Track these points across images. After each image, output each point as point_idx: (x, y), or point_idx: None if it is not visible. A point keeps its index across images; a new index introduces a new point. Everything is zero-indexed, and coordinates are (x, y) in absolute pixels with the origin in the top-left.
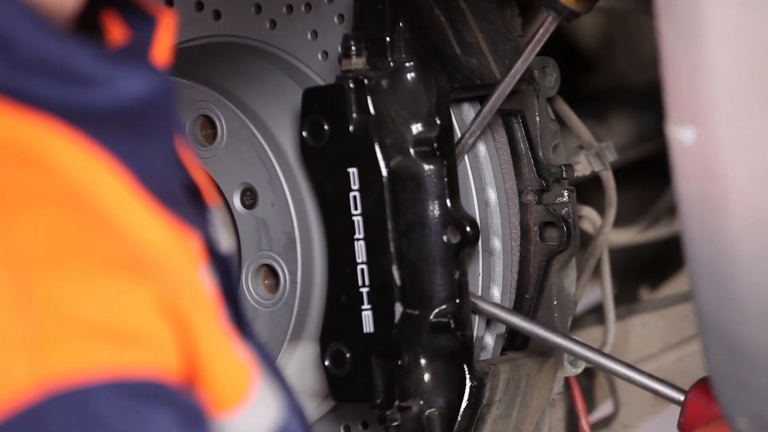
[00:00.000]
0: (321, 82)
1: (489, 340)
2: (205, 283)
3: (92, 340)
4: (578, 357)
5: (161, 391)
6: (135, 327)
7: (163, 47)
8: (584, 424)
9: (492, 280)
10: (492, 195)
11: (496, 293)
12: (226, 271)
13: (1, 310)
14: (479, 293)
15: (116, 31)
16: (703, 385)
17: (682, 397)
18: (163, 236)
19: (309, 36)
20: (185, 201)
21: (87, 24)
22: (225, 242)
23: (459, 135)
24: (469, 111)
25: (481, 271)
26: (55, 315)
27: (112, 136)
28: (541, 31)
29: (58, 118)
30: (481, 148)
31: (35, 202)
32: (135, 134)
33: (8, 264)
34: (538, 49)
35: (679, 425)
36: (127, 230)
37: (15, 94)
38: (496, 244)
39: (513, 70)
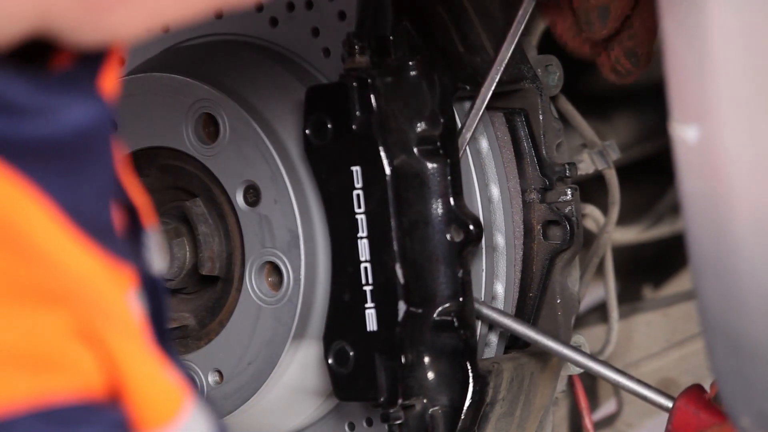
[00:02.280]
0: (323, 79)
1: (492, 338)
2: (133, 311)
3: (12, 370)
4: (572, 363)
5: (85, 412)
6: (53, 353)
7: (109, 75)
8: (588, 422)
9: (495, 276)
10: (495, 191)
11: (499, 289)
12: (155, 293)
13: None
14: (483, 289)
15: (61, 57)
16: (692, 393)
17: (670, 404)
18: (89, 267)
19: (310, 33)
20: (117, 232)
21: (29, 48)
22: (157, 264)
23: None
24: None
25: (484, 267)
26: None
27: (42, 168)
28: (520, 12)
29: None
30: (484, 144)
31: None
32: (68, 166)
33: None
34: (520, 31)
35: None
36: (48, 260)
37: None
38: (499, 240)
39: (499, 56)
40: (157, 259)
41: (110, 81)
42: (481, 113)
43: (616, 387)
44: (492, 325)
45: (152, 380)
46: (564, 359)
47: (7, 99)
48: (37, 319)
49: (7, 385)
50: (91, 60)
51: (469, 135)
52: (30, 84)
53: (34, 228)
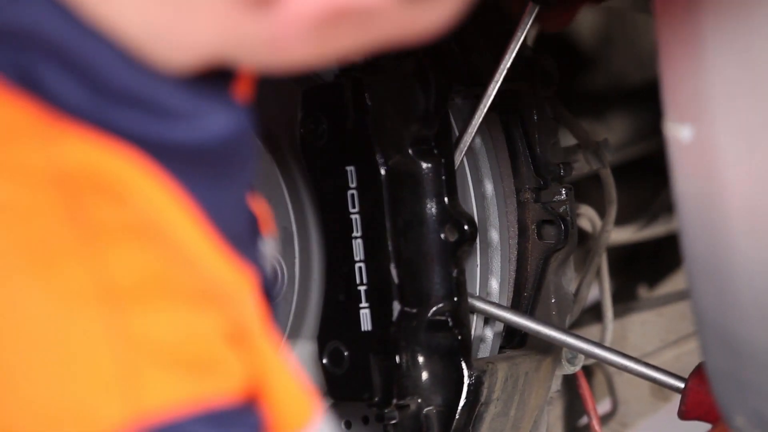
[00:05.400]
0: (315, 78)
1: (487, 338)
2: (261, 315)
3: (179, 372)
4: (577, 351)
5: (237, 415)
6: (210, 355)
7: (244, 83)
8: (595, 423)
9: (490, 272)
10: (489, 187)
11: (494, 285)
12: (266, 299)
13: (92, 344)
14: (477, 285)
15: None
16: (703, 372)
17: (682, 385)
18: (228, 272)
19: None
20: (250, 240)
21: None
22: (268, 273)
23: (456, 133)
24: (464, 108)
25: (479, 263)
26: (144, 348)
27: (190, 174)
28: (524, 18)
29: (138, 149)
30: (477, 141)
31: (117, 235)
32: (212, 173)
33: (96, 298)
34: (522, 37)
35: (680, 413)
36: (197, 264)
37: (97, 123)
38: (494, 236)
39: (501, 65)
40: (269, 267)
41: (244, 89)
42: (480, 120)
43: (612, 385)
44: (486, 324)
45: (289, 386)
46: (568, 348)
47: (157, 100)
48: (195, 321)
49: (175, 387)
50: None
51: (469, 139)
52: (179, 87)
53: (182, 231)
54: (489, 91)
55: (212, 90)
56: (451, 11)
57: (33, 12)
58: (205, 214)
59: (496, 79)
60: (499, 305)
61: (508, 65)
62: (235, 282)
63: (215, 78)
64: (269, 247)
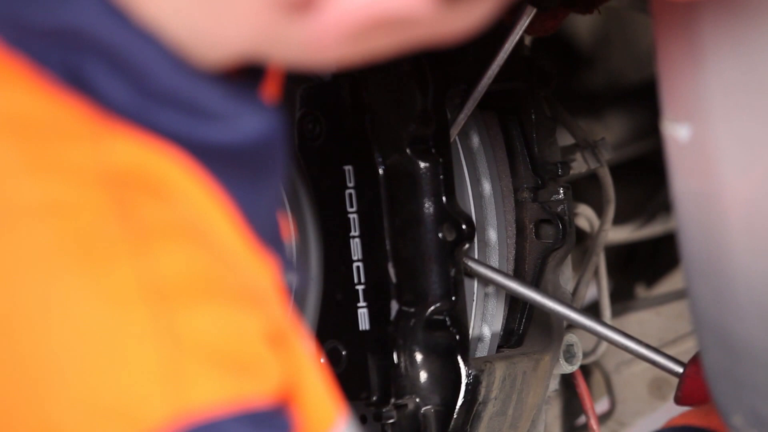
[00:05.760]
0: (312, 76)
1: (485, 337)
2: (291, 316)
3: (222, 372)
4: (576, 325)
5: (272, 417)
6: (253, 357)
7: (273, 81)
8: (593, 423)
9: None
10: (486, 187)
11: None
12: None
13: (139, 341)
14: (475, 285)
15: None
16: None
17: (680, 370)
18: (264, 273)
19: None
20: (279, 242)
21: None
22: (286, 279)
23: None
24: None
25: None
26: (190, 347)
27: (227, 174)
28: (522, 18)
29: (180, 149)
30: (475, 141)
31: (164, 234)
32: (246, 174)
33: (144, 296)
34: (518, 36)
35: (676, 398)
36: (236, 264)
37: (142, 123)
38: (492, 235)
39: (495, 63)
40: (286, 273)
41: (272, 90)
42: (467, 114)
43: (610, 384)
44: (484, 323)
45: (319, 388)
46: (567, 320)
47: (198, 101)
48: (239, 321)
49: (217, 386)
50: (256, 69)
51: (456, 131)
52: (216, 89)
53: (221, 231)
54: (480, 86)
55: (245, 92)
56: (485, 14)
57: (83, 12)
58: (240, 215)
59: (488, 74)
60: (499, 271)
61: (502, 62)
62: (269, 282)
63: (246, 79)
64: (288, 252)
